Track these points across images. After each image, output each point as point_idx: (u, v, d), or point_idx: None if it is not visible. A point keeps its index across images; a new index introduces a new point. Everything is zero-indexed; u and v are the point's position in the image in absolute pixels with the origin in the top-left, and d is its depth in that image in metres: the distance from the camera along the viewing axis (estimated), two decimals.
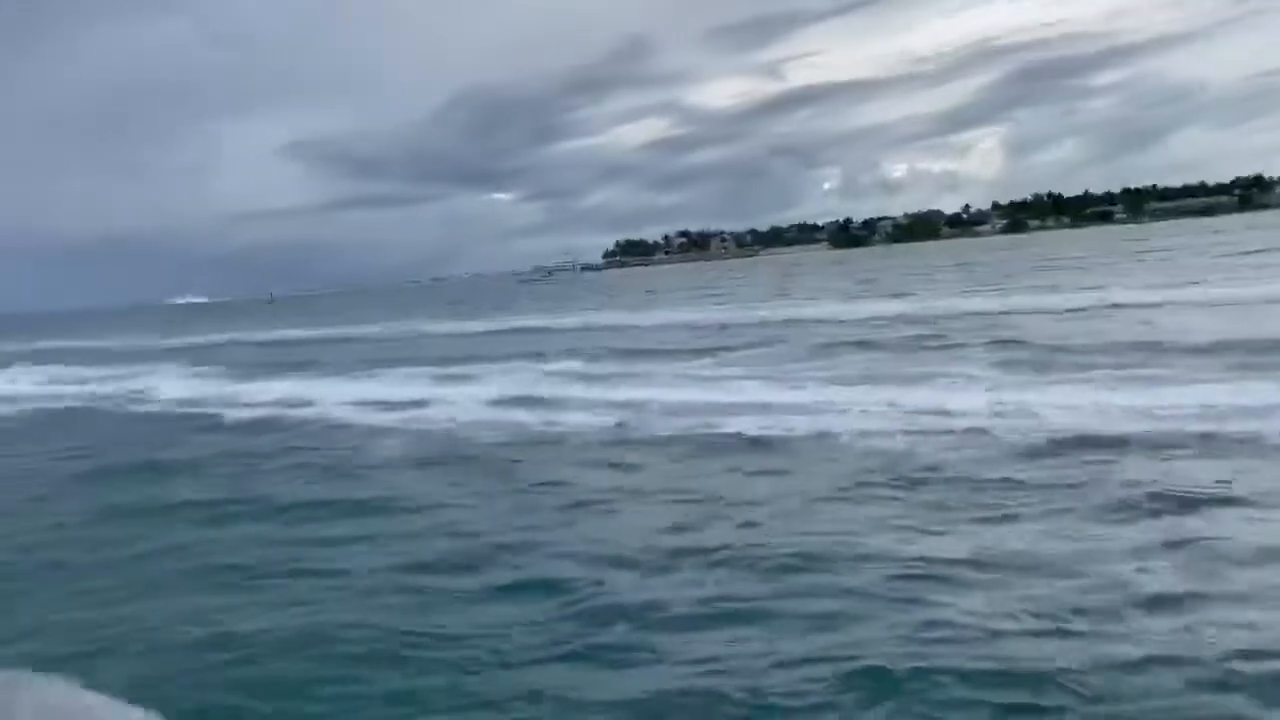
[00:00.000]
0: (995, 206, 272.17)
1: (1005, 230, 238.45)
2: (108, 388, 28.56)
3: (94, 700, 0.32)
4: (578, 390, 19.43)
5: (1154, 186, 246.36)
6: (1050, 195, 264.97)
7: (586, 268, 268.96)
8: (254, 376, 27.54)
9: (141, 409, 22.03)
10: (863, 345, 23.78)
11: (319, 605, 7.75)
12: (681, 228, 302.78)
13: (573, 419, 15.86)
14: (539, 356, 26.94)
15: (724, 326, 34.71)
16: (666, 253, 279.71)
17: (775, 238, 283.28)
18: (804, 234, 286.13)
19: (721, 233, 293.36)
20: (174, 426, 19.20)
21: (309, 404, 20.73)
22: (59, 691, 0.31)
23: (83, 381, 30.15)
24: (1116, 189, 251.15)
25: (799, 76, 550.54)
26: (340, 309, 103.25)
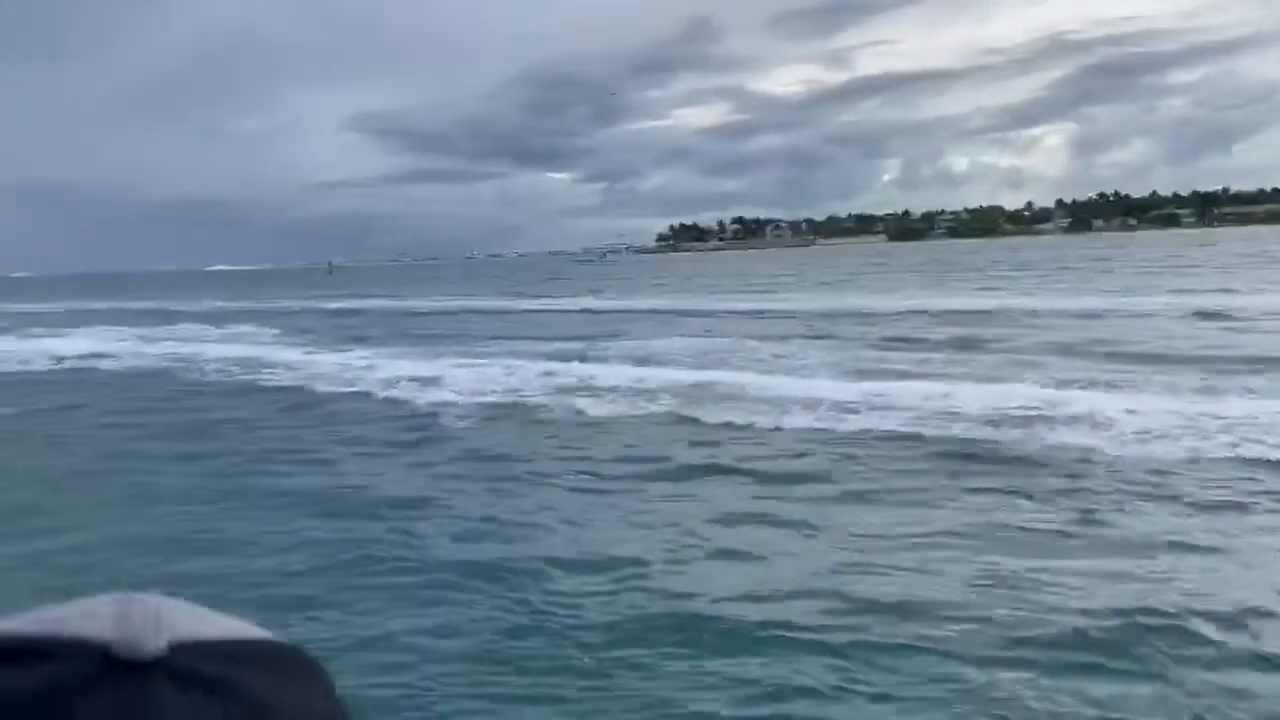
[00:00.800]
0: (1059, 204, 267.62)
1: (1068, 230, 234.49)
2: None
3: (225, 623, 0.34)
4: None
5: (1225, 190, 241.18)
6: (1116, 195, 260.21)
7: (638, 251, 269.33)
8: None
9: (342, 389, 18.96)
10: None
11: None
12: (736, 214, 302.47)
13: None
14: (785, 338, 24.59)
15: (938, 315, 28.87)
16: (720, 239, 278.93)
17: (831, 228, 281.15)
18: (861, 225, 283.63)
19: (777, 221, 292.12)
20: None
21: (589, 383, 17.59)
22: (186, 612, 0.33)
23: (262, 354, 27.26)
24: (1185, 191, 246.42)
25: (867, 65, 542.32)
26: (410, 281, 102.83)
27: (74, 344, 31.39)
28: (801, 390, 15.88)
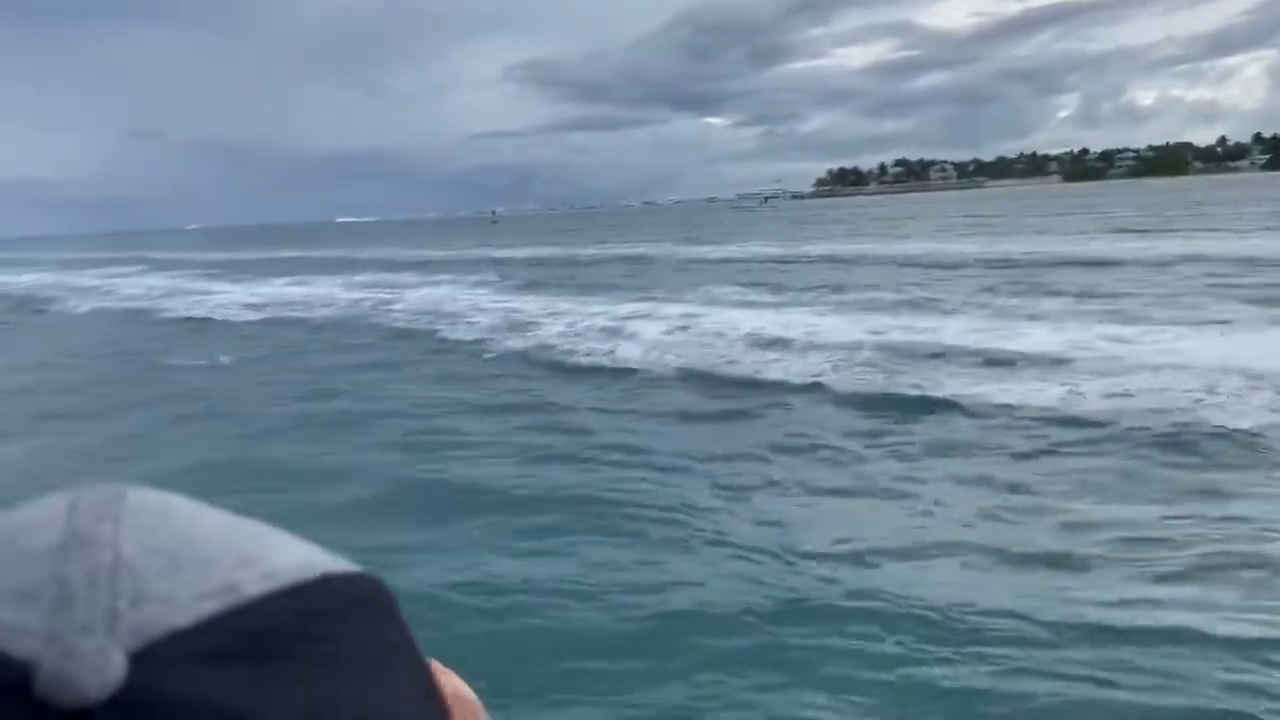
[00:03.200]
0: (1258, 140, 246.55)
1: (1266, 167, 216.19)
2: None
3: (219, 518, 0.33)
4: None
5: None
6: None
7: (795, 196, 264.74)
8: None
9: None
10: None
11: None
12: (899, 156, 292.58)
13: None
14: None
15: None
16: (881, 182, 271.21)
17: (1001, 169, 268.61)
18: (1033, 165, 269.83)
19: (942, 162, 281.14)
20: None
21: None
22: (175, 507, 0.32)
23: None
24: None
25: None
26: (586, 228, 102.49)
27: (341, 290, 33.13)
28: None
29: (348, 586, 0.36)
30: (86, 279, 45.90)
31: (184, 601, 0.30)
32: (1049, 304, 19.03)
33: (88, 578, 0.30)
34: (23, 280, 48.54)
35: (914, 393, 11.95)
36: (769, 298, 23.01)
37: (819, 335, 16.46)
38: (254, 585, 0.32)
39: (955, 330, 16.06)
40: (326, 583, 0.35)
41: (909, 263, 30.90)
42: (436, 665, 0.85)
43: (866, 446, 9.81)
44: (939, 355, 14.10)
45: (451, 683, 0.83)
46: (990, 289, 22.44)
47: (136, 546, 0.31)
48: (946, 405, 11.27)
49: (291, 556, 0.35)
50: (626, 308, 21.79)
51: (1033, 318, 17.05)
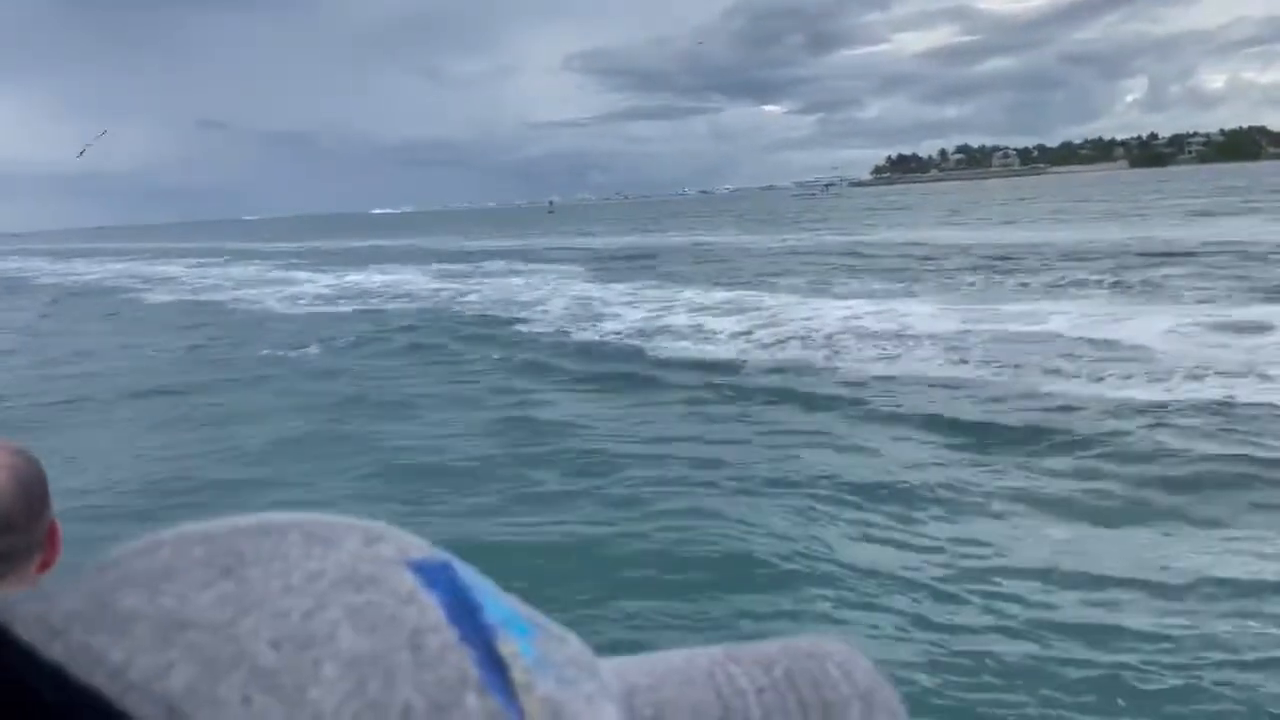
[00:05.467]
0: None
1: None
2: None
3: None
4: None
5: None
6: None
7: (854, 184, 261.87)
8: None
9: None
10: None
11: None
12: (960, 143, 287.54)
13: None
14: None
15: None
16: (940, 169, 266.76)
17: (1065, 155, 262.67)
18: (1098, 151, 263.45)
19: (1004, 149, 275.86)
20: None
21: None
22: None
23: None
24: None
25: None
26: (652, 217, 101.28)
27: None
28: None
29: None
30: (174, 269, 46.98)
31: None
32: None
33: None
34: (114, 269, 49.73)
35: None
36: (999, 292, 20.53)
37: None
38: None
39: None
40: None
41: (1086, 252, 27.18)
42: None
43: None
44: None
45: None
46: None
47: None
48: None
49: None
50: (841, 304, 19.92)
51: None
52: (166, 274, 43.31)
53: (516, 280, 30.81)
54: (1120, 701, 4.84)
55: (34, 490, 1.25)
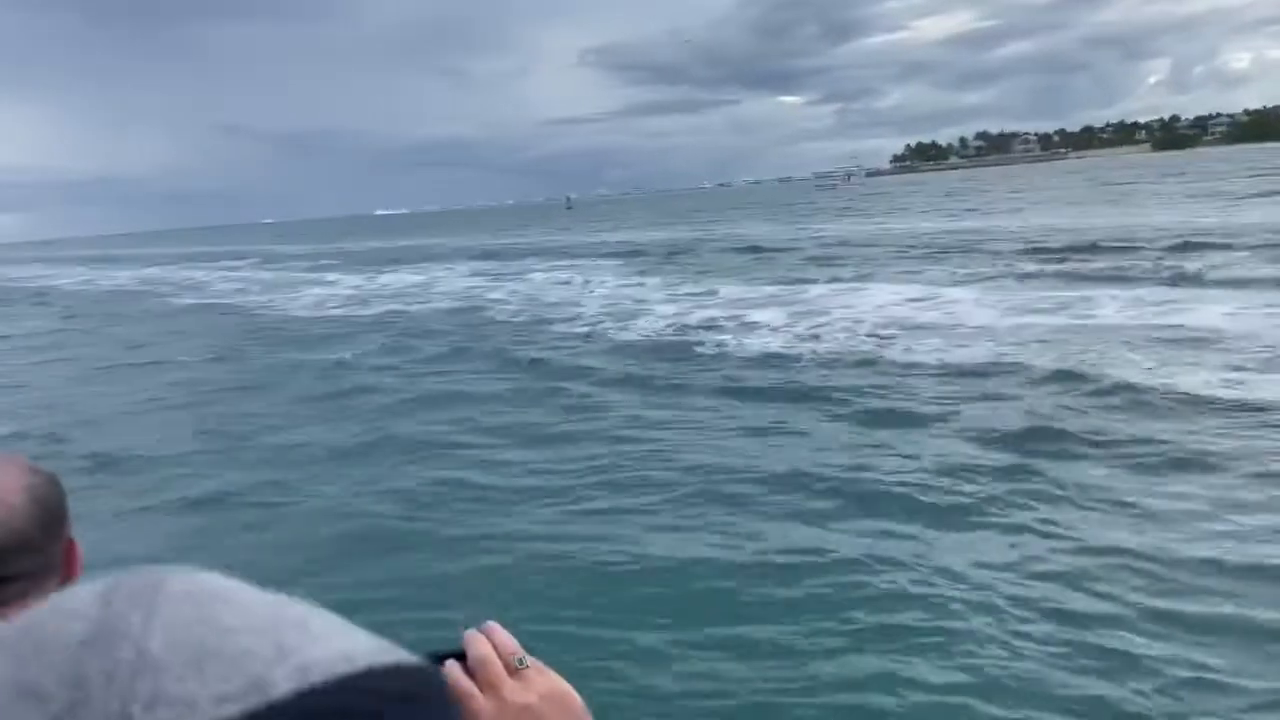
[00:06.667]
0: None
1: None
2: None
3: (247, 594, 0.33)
4: None
5: None
6: None
7: (872, 173, 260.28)
8: None
9: None
10: None
11: None
12: (979, 129, 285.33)
13: None
14: None
15: None
16: (961, 156, 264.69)
17: (1087, 139, 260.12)
18: (1121, 134, 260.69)
19: (1024, 134, 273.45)
20: None
21: None
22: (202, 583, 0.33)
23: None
24: None
25: None
26: (671, 212, 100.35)
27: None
28: None
29: (392, 681, 0.33)
30: (199, 274, 46.99)
31: (204, 704, 0.29)
32: None
33: (106, 677, 0.29)
34: (144, 274, 49.80)
35: None
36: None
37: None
38: (285, 683, 0.30)
39: None
40: (368, 677, 0.32)
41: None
42: (537, 665, 0.85)
43: None
44: None
45: (550, 682, 0.83)
46: None
47: (164, 641, 0.30)
48: None
49: (333, 647, 0.33)
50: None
51: None
52: (196, 279, 43.33)
53: (552, 276, 30.59)
54: None
55: (52, 510, 1.24)
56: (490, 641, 0.84)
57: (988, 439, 9.11)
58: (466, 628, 0.87)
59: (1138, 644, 5.17)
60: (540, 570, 6.54)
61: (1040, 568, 6.13)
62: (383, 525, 7.62)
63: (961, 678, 4.99)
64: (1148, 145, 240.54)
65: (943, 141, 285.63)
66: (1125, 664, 5.00)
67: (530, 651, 0.87)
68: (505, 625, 0.88)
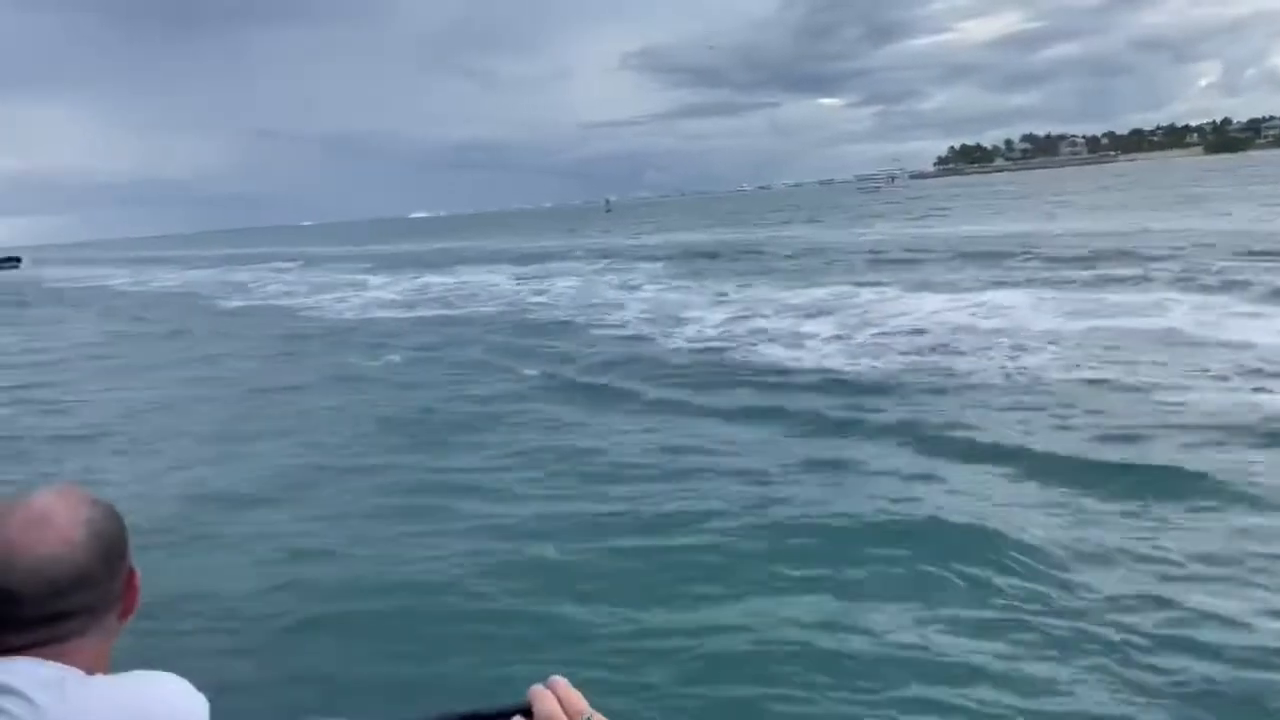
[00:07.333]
0: None
1: None
2: None
3: None
4: None
5: None
6: None
7: (915, 176, 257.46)
8: None
9: None
10: None
11: None
12: (1024, 132, 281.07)
13: None
14: None
15: None
16: (1007, 158, 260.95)
17: (1136, 141, 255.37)
18: (1171, 137, 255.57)
19: (1071, 136, 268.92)
20: None
21: None
22: None
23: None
24: None
25: None
26: (715, 214, 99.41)
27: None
28: None
29: None
30: (242, 275, 47.05)
31: None
32: None
33: None
34: (191, 276, 49.87)
35: None
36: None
37: None
38: None
39: None
40: None
41: None
42: (562, 683, 0.84)
43: None
44: None
45: (575, 703, 0.82)
46: None
47: None
48: None
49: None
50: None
51: None
52: (236, 280, 43.34)
53: (595, 280, 29.95)
54: None
55: (112, 544, 1.24)
56: (555, 696, 0.83)
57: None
58: (531, 683, 0.86)
59: None
60: (606, 620, 5.83)
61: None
62: (446, 572, 6.88)
63: None
64: (1199, 148, 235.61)
65: (987, 144, 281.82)
66: None
67: (596, 706, 0.86)
68: (570, 679, 0.87)
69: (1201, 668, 4.85)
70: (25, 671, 1.12)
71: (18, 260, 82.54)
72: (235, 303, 32.90)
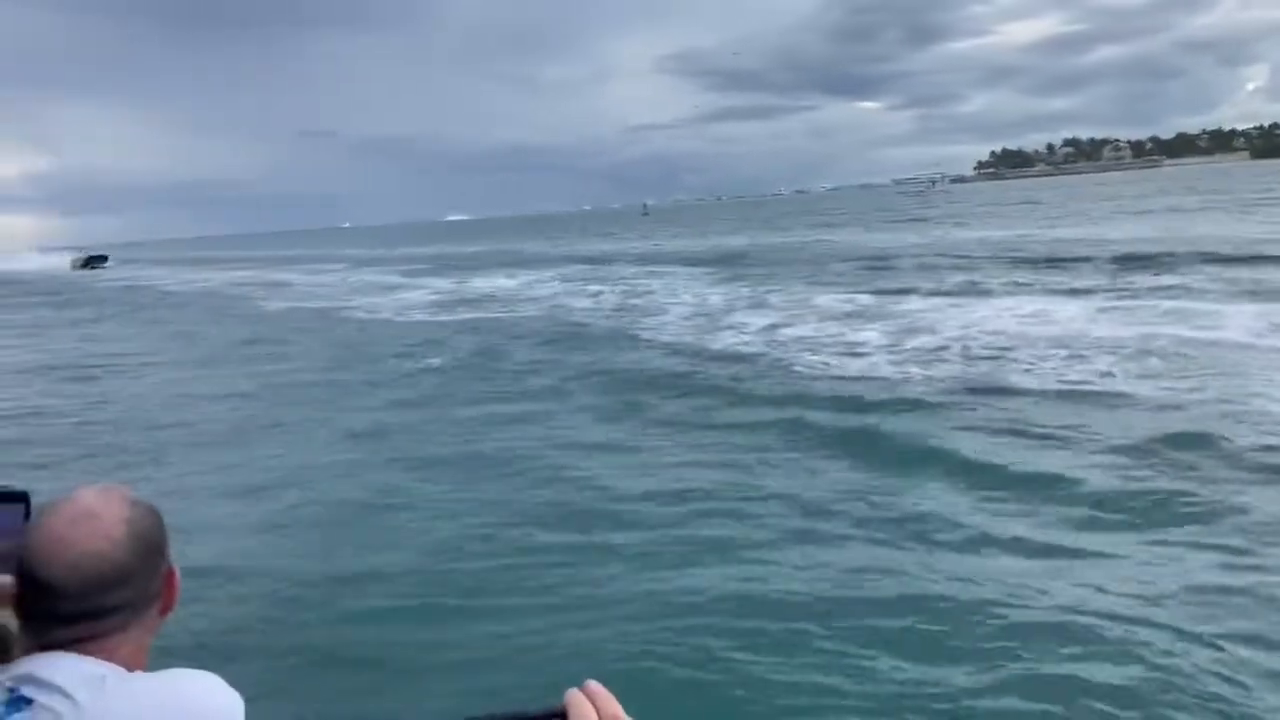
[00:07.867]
0: None
1: None
2: None
3: None
4: None
5: None
6: None
7: (956, 180, 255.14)
8: None
9: None
10: None
11: None
12: (1068, 135, 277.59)
13: None
14: None
15: None
16: (1048, 163, 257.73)
17: (1181, 146, 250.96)
18: (1217, 141, 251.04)
19: (1115, 141, 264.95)
20: None
21: None
22: None
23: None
24: None
25: None
26: (758, 218, 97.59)
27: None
28: None
29: None
30: (290, 275, 47.22)
31: None
32: None
33: None
34: (288, 278, 48.51)
35: None
36: None
37: None
38: None
39: None
40: None
41: None
42: (599, 690, 0.84)
43: None
44: None
45: (610, 708, 0.83)
46: None
47: None
48: None
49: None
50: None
51: None
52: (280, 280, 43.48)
53: (636, 285, 29.62)
54: None
55: (152, 541, 1.26)
56: (591, 702, 0.84)
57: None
58: (566, 686, 0.86)
59: None
60: (642, 621, 5.70)
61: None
62: (479, 572, 6.72)
63: None
64: (1246, 153, 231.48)
65: (1028, 148, 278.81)
66: None
67: (630, 713, 0.85)
68: (605, 683, 0.87)
69: None
70: (68, 668, 1.17)
71: (105, 258, 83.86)
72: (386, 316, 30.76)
